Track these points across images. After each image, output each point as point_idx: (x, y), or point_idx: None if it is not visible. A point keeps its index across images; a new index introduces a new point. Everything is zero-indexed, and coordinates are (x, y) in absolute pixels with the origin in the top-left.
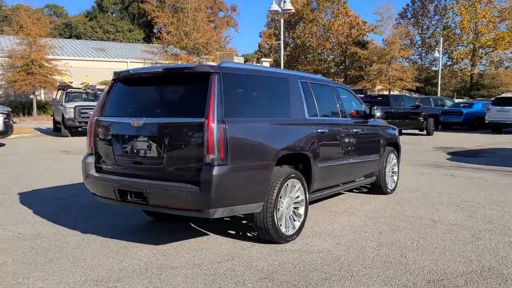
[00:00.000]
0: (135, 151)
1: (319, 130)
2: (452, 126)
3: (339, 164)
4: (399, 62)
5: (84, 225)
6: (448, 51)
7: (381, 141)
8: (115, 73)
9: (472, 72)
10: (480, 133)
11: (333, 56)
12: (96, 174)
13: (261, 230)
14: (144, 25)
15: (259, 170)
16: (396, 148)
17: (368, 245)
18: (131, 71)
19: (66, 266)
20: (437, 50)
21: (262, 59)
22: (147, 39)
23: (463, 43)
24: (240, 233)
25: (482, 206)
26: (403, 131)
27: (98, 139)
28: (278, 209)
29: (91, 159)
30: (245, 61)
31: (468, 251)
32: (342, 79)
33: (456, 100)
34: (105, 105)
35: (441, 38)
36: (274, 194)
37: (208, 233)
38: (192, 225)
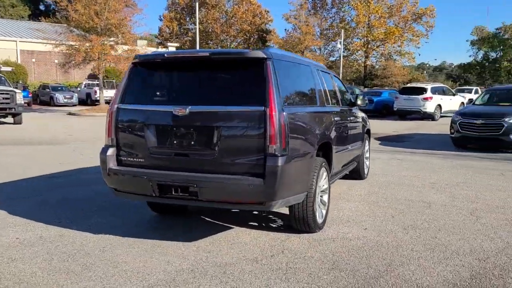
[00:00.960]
0: (176, 142)
1: (335, 118)
2: None
3: (344, 151)
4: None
5: (84, 224)
6: (345, 43)
7: (363, 128)
8: (140, 57)
9: (365, 63)
10: (389, 119)
11: (236, 44)
12: (122, 168)
13: (299, 220)
14: (29, 0)
15: (308, 159)
16: (368, 135)
17: (394, 229)
18: (166, 55)
19: (112, 272)
20: (339, 41)
21: (169, 43)
22: (34, 17)
23: (358, 35)
24: (263, 224)
25: (453, 187)
26: None
27: (121, 129)
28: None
29: (112, 152)
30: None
31: (482, 229)
32: None
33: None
34: (126, 92)
35: (342, 30)
36: (314, 183)
37: (231, 226)
38: (206, 218)
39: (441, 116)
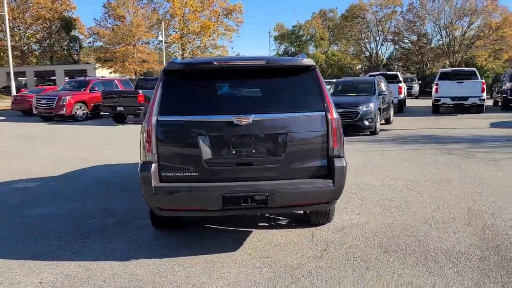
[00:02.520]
0: (235, 151)
1: None
2: None
3: None
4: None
5: (94, 253)
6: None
7: None
8: (176, 64)
9: (183, 55)
10: None
11: (33, 31)
12: (174, 185)
13: (321, 213)
14: None
15: None
16: None
17: (380, 211)
18: (215, 62)
19: None
20: (160, 33)
21: None
22: None
23: (174, 28)
24: (272, 223)
25: (366, 169)
26: None
27: (165, 143)
28: None
29: (155, 168)
30: None
31: (434, 201)
32: (49, 59)
33: None
34: (163, 103)
35: (162, 22)
36: None
37: (246, 229)
38: (212, 226)
39: None
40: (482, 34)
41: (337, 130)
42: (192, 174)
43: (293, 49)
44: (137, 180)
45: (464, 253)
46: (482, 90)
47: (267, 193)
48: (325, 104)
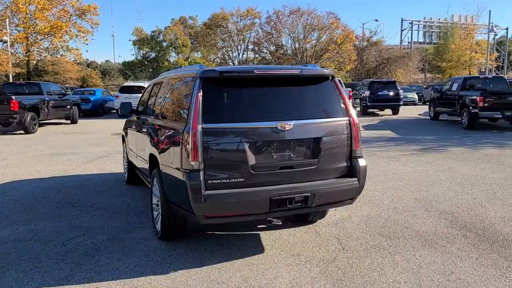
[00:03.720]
0: (275, 156)
1: None
2: (81, 113)
3: None
4: None
5: (122, 270)
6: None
7: None
8: (214, 72)
9: (28, 57)
10: (112, 118)
11: None
12: (221, 191)
13: (319, 211)
14: None
15: None
16: None
17: (354, 206)
18: (256, 71)
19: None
20: (4, 32)
21: None
22: None
23: (17, 26)
24: (268, 224)
25: None
26: (53, 121)
27: (211, 151)
28: None
29: (202, 176)
30: None
31: (384, 194)
32: None
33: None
34: (204, 111)
35: (7, 19)
36: None
37: (252, 232)
38: (216, 232)
39: None
40: (329, 48)
41: (358, 133)
42: (238, 180)
43: (153, 55)
44: (78, 193)
45: (449, 234)
46: (349, 98)
47: (309, 194)
48: (347, 110)
